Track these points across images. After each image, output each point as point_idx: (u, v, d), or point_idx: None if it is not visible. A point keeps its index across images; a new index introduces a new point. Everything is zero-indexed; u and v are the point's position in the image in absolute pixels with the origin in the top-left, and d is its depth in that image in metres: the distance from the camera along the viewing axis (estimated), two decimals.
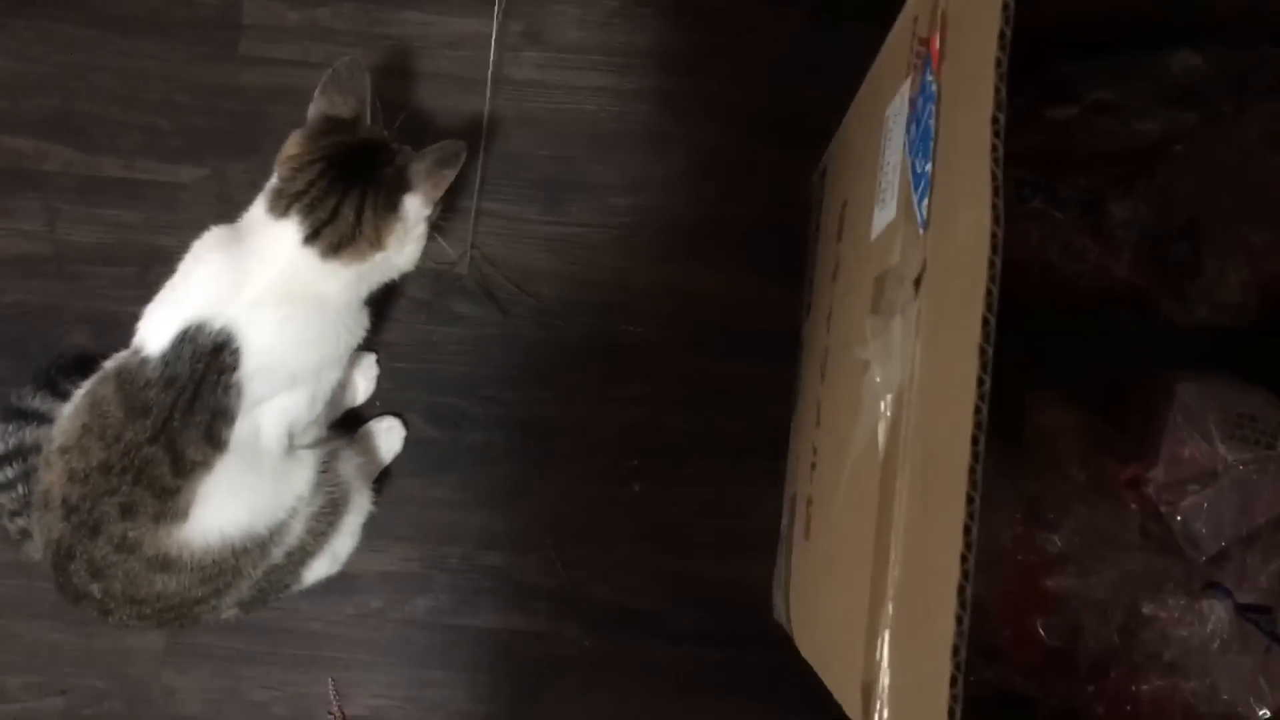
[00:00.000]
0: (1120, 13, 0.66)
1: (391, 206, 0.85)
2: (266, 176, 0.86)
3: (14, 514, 0.95)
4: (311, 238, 0.82)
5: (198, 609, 0.86)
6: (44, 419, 0.97)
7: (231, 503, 0.83)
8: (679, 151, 1.06)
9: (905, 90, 0.63)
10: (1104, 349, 0.73)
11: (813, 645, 0.74)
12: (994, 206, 0.43)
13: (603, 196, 1.06)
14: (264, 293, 0.81)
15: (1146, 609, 0.62)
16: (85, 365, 0.89)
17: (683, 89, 1.07)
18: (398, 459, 1.02)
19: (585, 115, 1.06)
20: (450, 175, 0.86)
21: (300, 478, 0.88)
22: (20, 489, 0.95)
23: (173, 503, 0.80)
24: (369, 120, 0.87)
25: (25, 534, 0.94)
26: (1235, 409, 0.63)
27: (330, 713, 0.99)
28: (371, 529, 0.99)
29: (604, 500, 1.02)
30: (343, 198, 0.83)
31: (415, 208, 0.85)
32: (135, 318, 0.83)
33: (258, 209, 0.84)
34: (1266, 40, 0.67)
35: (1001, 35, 0.42)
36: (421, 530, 1.02)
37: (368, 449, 1.00)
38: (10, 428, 0.97)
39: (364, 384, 1.02)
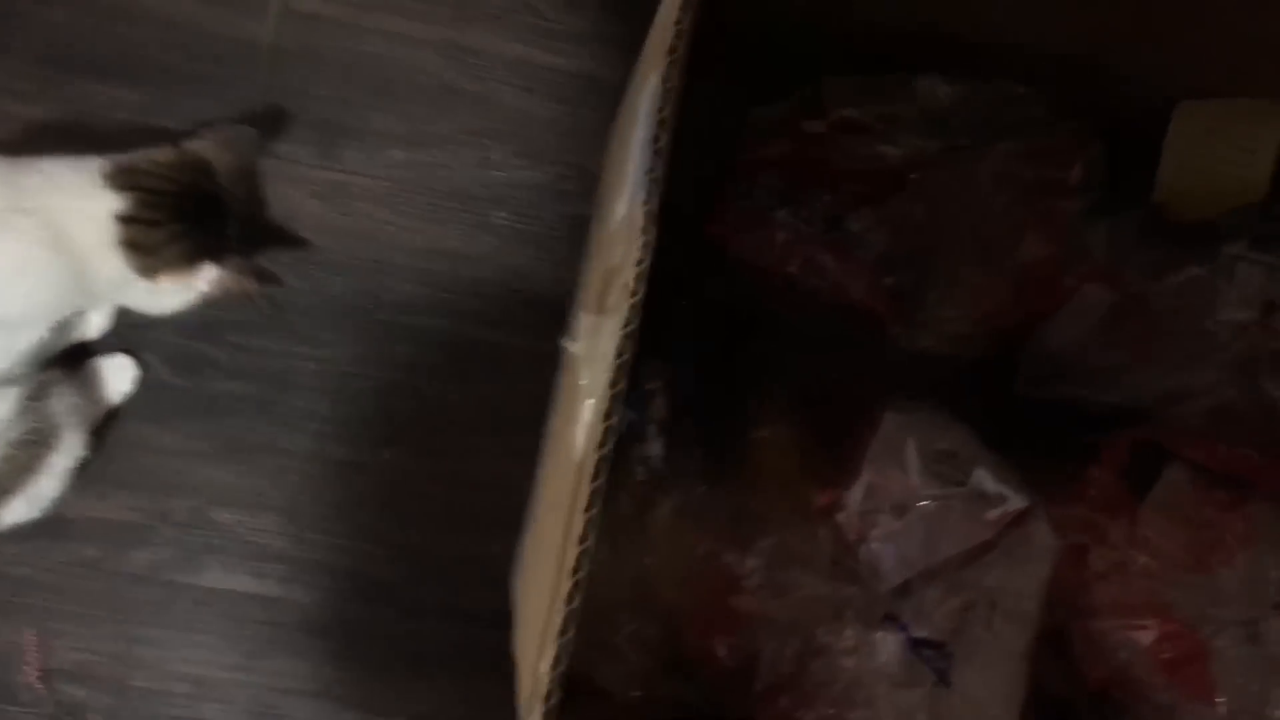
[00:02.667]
0: (879, 35, 0.65)
1: (193, 259, 0.83)
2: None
3: None
4: (126, 220, 0.80)
5: None
6: None
7: None
8: (469, 109, 1.01)
9: (654, 80, 0.60)
10: (840, 365, 0.72)
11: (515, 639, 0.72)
12: (645, 205, 0.40)
13: (382, 147, 1.00)
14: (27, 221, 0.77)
15: (823, 637, 0.62)
16: None
17: (482, 45, 1.02)
18: (129, 402, 0.95)
19: (371, 58, 1.01)
20: (250, 286, 0.86)
21: None
22: None
23: None
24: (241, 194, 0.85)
25: None
26: (935, 444, 0.63)
27: (27, 663, 0.93)
28: (93, 473, 0.93)
29: (352, 464, 0.98)
30: (176, 222, 0.82)
31: (208, 277, 0.84)
32: None
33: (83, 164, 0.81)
34: (1017, 78, 0.66)
35: (678, 24, 0.39)
36: (149, 479, 0.96)
37: (92, 387, 0.93)
38: None
39: (98, 317, 0.95)
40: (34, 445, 0.85)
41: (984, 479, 0.63)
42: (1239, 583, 0.67)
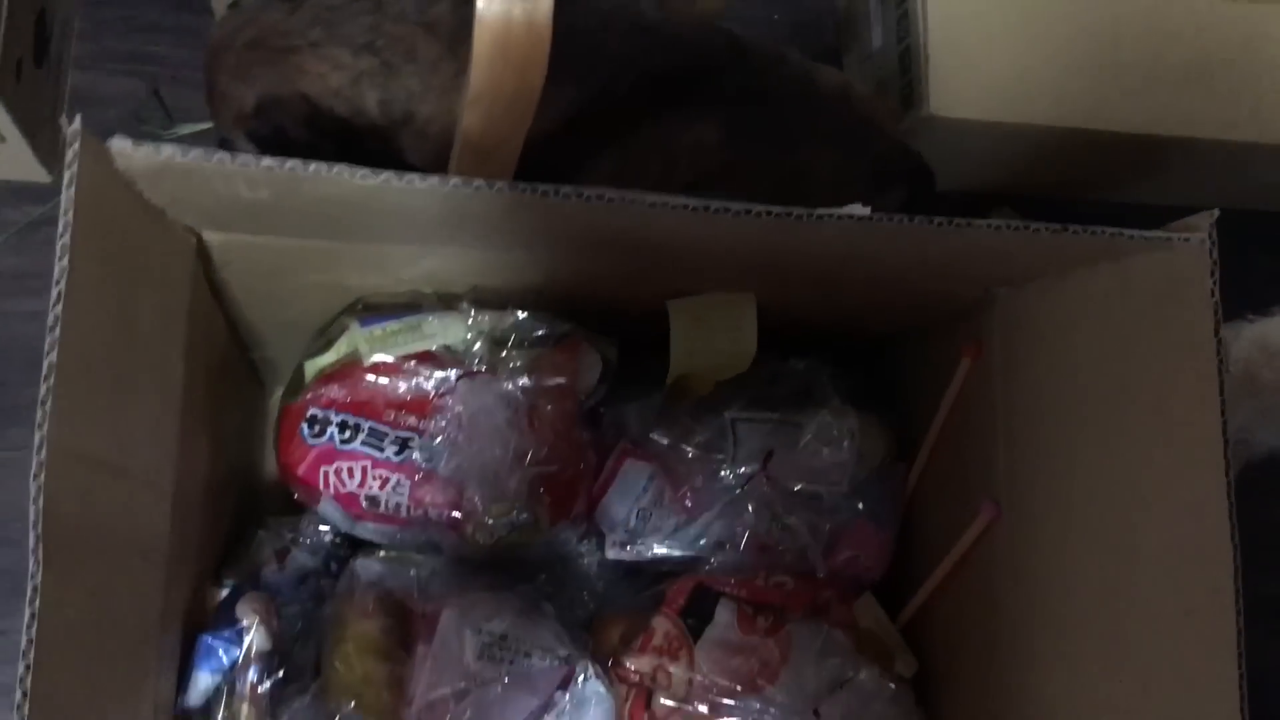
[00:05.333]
0: None
1: None
2: None
3: None
4: None
5: None
6: None
7: None
8: None
9: None
10: (426, 571, 0.82)
11: None
12: None
13: None
14: None
15: None
16: None
17: None
18: None
19: (20, 340, 1.07)
20: None
21: None
22: None
23: None
24: None
25: None
26: (490, 629, 0.73)
27: None
28: None
29: None
30: None
31: None
32: None
33: None
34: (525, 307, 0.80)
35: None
36: None
37: None
38: None
39: None
40: None
41: (534, 653, 0.73)
42: (785, 696, 0.78)
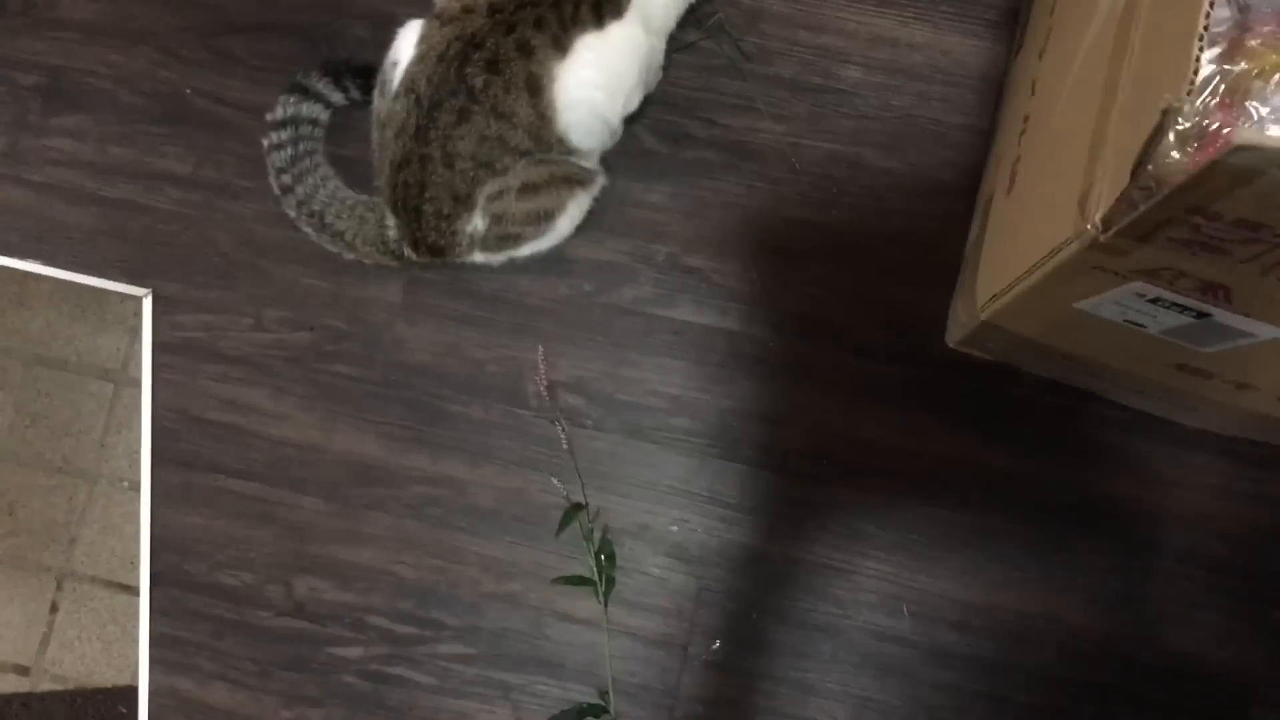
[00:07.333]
0: None
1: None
2: None
3: (281, 171, 1.10)
4: None
5: (477, 190, 1.00)
6: (322, 100, 1.12)
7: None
8: None
9: None
10: None
11: (1010, 255, 0.82)
12: None
13: None
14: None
15: None
16: (368, 74, 1.07)
17: None
18: (621, 164, 1.12)
19: None
20: None
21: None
22: (289, 151, 1.11)
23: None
24: None
25: (288, 189, 1.09)
26: None
27: (536, 376, 1.10)
28: (590, 222, 1.10)
29: (803, 222, 1.12)
30: None
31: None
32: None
33: None
34: None
35: None
36: (635, 228, 1.13)
37: None
38: (292, 99, 1.12)
39: None
40: (565, 184, 1.04)
41: None
42: None
